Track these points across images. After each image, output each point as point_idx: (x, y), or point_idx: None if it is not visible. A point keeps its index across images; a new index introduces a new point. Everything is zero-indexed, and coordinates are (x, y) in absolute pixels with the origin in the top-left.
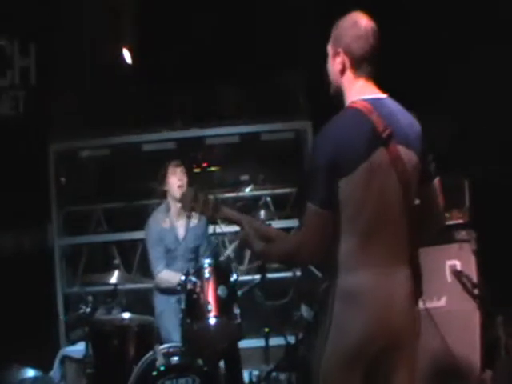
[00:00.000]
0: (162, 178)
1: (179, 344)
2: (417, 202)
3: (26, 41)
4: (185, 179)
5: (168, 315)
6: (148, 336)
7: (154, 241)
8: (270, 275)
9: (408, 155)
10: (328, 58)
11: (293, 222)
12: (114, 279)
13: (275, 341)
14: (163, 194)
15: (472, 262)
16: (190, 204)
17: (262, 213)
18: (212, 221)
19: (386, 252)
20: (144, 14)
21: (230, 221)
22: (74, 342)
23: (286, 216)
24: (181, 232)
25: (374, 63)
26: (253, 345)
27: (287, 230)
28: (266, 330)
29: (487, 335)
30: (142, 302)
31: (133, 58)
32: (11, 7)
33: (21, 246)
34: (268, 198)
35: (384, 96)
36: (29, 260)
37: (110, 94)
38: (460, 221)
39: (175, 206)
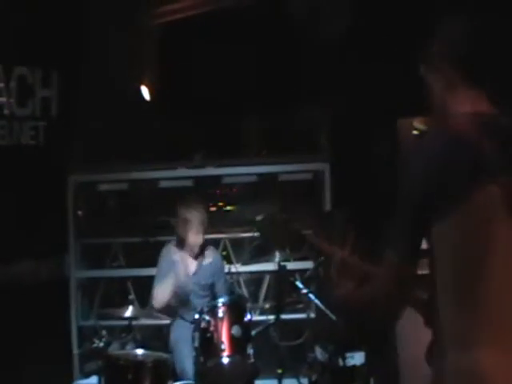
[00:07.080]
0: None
1: (192, 382)
2: None
3: (47, 71)
4: (201, 237)
5: (182, 344)
6: (162, 372)
7: (163, 270)
8: (284, 315)
9: None
10: (427, 76)
11: (309, 264)
12: (128, 314)
13: (289, 382)
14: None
15: None
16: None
17: (277, 253)
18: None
19: (505, 319)
20: (164, 50)
21: (319, 250)
22: (87, 376)
23: (302, 257)
24: (191, 267)
25: (481, 65)
26: None
27: (303, 271)
28: (280, 370)
29: None
30: (156, 337)
31: (153, 93)
32: (33, 37)
33: (37, 276)
34: None
35: (497, 113)
36: (45, 291)
37: (130, 129)
38: None
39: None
